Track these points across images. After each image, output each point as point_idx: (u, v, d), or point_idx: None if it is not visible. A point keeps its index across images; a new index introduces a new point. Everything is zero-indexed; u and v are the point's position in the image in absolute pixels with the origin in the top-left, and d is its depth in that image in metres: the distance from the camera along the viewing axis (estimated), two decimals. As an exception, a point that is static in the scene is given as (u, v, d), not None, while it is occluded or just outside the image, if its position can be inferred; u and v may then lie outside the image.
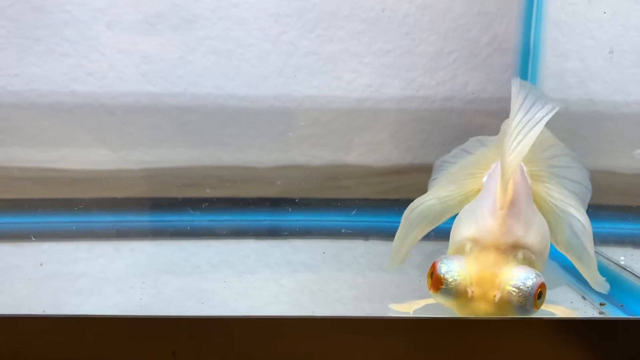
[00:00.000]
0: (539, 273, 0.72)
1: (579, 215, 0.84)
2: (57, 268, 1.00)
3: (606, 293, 0.84)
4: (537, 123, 0.77)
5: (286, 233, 1.16)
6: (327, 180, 1.18)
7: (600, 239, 0.99)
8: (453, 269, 0.72)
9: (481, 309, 0.71)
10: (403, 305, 0.81)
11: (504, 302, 0.70)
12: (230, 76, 1.13)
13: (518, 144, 0.75)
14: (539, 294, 0.71)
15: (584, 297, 0.88)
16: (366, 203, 1.18)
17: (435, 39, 1.15)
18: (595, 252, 0.85)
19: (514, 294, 0.70)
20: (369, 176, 1.18)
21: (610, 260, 0.94)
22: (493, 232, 0.75)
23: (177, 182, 1.16)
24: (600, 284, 0.85)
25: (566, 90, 1.12)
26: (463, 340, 0.69)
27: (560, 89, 1.13)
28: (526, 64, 1.17)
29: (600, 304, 0.86)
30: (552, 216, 0.85)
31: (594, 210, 1.00)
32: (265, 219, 1.17)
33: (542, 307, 0.73)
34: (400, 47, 1.15)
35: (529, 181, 0.86)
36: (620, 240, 0.85)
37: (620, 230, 0.95)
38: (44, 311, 0.82)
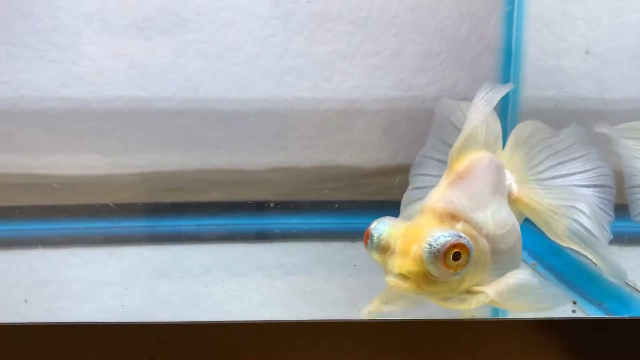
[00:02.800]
0: (462, 235, 0.70)
1: (578, 205, 0.82)
2: (50, 274, 1.00)
3: (622, 282, 0.82)
4: (497, 92, 0.80)
5: (278, 235, 1.16)
6: (318, 181, 1.18)
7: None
8: (381, 225, 0.73)
9: (397, 263, 0.70)
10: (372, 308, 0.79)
11: (418, 257, 0.70)
12: (220, 79, 1.13)
13: (474, 113, 0.78)
14: (454, 255, 0.69)
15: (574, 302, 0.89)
16: (356, 204, 1.18)
17: (424, 40, 1.15)
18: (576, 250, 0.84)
19: (425, 249, 0.69)
20: (359, 177, 1.18)
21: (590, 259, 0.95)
22: (432, 197, 0.75)
23: (167, 186, 1.16)
24: (615, 274, 0.81)
25: (555, 89, 1.13)
26: (445, 341, 0.70)
27: (549, 87, 1.14)
28: (514, 62, 1.18)
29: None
30: (546, 215, 0.83)
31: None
32: (256, 221, 1.17)
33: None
34: (389, 48, 1.15)
35: (515, 187, 0.85)
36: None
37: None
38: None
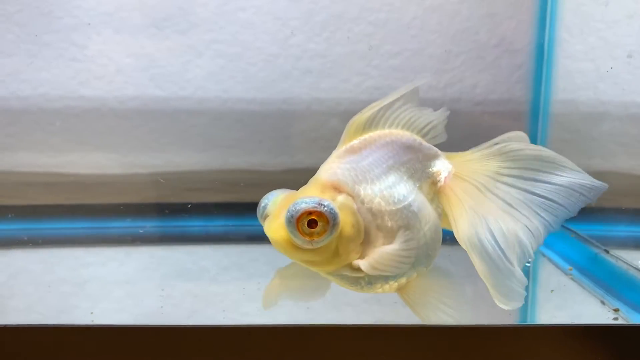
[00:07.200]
0: (325, 204, 0.69)
1: (493, 222, 0.75)
2: (67, 273, 1.01)
3: (510, 308, 0.71)
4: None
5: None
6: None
7: (616, 242, 0.98)
8: (270, 195, 0.74)
9: (267, 226, 0.71)
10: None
11: (282, 222, 0.69)
12: (238, 80, 1.13)
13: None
14: (309, 222, 0.68)
15: (602, 302, 0.87)
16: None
17: (443, 41, 1.15)
18: (612, 255, 0.80)
19: (284, 215, 0.69)
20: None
21: (629, 265, 0.92)
22: (321, 169, 0.75)
23: (184, 186, 1.16)
24: (504, 299, 0.72)
25: (576, 91, 1.12)
26: (474, 348, 0.68)
27: (570, 90, 1.13)
28: (538, 65, 1.17)
29: (614, 310, 0.84)
30: (463, 212, 0.77)
31: (608, 213, 0.99)
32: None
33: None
34: (408, 50, 1.15)
35: (446, 177, 0.79)
36: (637, 243, 0.82)
37: (637, 233, 0.92)
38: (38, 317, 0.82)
